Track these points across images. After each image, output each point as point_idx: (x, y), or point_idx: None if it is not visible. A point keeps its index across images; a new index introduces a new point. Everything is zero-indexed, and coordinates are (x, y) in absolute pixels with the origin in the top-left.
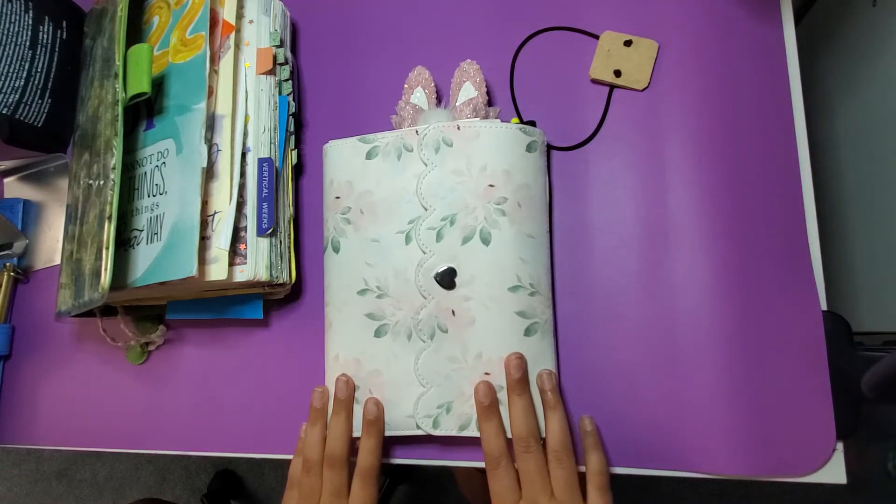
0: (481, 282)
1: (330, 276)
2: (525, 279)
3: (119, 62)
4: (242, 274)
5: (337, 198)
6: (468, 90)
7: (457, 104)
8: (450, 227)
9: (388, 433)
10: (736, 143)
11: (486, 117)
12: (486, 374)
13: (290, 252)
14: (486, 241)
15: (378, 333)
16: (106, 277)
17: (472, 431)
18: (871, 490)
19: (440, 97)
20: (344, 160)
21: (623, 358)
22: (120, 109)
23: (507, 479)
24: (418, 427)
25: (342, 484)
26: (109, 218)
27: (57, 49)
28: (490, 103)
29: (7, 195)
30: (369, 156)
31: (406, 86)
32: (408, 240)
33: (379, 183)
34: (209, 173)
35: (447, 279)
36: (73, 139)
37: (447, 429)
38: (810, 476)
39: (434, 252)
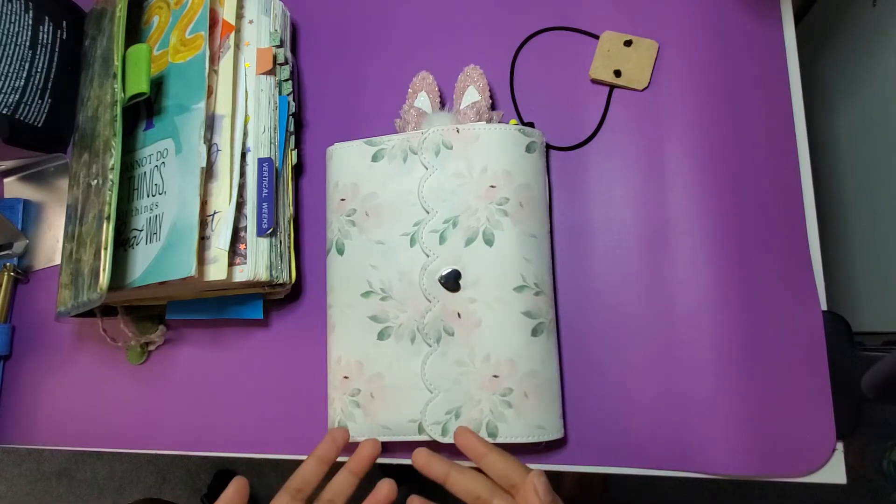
0: (486, 283)
1: (333, 278)
2: (530, 279)
3: (118, 62)
4: (242, 274)
5: (342, 200)
6: (472, 94)
7: (461, 108)
8: (452, 230)
9: (391, 439)
10: (736, 142)
11: (489, 121)
12: (495, 376)
13: (289, 252)
14: (489, 241)
15: (381, 336)
16: (104, 278)
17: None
18: (870, 490)
19: (444, 101)
20: (350, 162)
21: (623, 358)
22: (118, 110)
23: None
24: (426, 433)
25: None
26: (108, 218)
27: (57, 49)
28: (493, 107)
29: (7, 195)
30: (375, 158)
31: (410, 90)
32: (412, 242)
33: (384, 185)
34: (209, 173)
35: (451, 282)
36: (73, 139)
37: None
38: (810, 476)
39: (437, 255)
